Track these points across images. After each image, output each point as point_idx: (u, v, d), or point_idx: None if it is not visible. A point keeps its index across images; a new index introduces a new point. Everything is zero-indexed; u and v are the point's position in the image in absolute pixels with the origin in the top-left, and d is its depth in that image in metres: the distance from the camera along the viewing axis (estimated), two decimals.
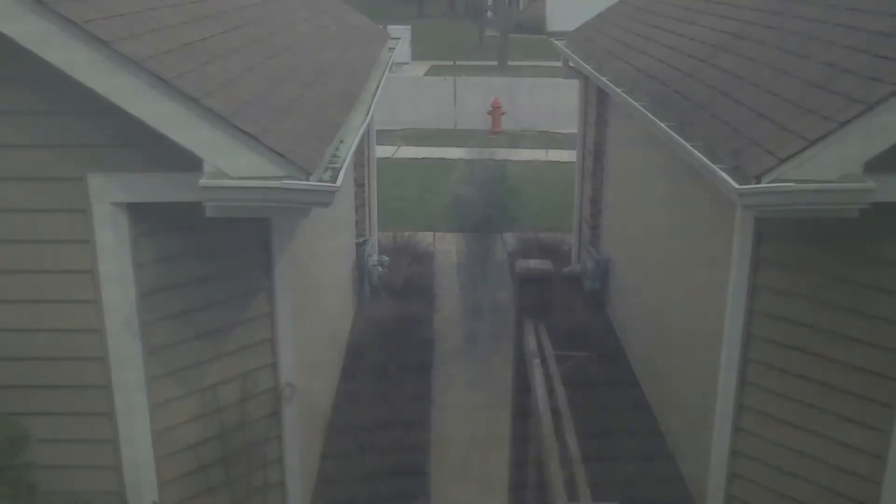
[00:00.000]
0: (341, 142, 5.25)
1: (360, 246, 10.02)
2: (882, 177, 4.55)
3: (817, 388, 5.46)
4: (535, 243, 11.97)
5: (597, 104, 9.99)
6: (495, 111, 20.41)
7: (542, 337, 5.17)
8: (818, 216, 4.73)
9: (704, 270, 6.42)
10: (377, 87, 7.44)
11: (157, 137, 4.33)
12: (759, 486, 5.85)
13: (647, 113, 6.49)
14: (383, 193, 12.11)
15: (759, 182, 4.60)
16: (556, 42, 11.14)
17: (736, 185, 4.65)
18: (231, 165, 4.31)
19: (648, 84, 7.29)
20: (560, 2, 36.65)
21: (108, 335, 4.87)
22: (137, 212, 4.76)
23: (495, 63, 31.84)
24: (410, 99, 20.26)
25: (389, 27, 14.58)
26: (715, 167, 4.95)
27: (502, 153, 18.23)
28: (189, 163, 4.35)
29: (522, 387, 5.16)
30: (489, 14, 39.92)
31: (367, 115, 6.22)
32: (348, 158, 4.94)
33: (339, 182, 4.46)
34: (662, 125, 6.07)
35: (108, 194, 4.66)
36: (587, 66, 9.12)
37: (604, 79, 8.27)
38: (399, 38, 11.65)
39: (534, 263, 5.38)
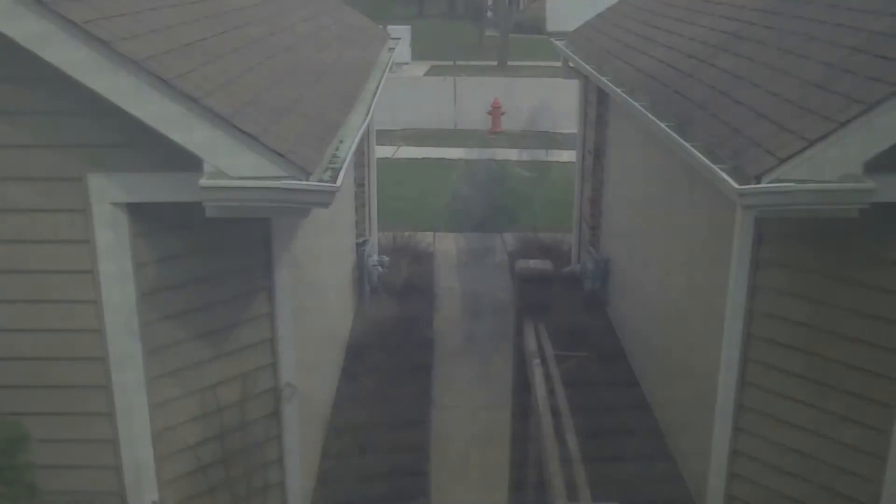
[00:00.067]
0: (341, 142, 5.25)
1: (360, 246, 10.02)
2: (882, 177, 4.55)
3: (817, 388, 5.46)
4: (534, 243, 11.97)
5: (597, 104, 9.99)
6: (495, 111, 20.41)
7: (542, 337, 5.18)
8: (818, 216, 4.73)
9: (704, 270, 6.42)
10: (377, 87, 7.44)
11: (157, 137, 4.33)
12: (759, 486, 5.85)
13: (647, 113, 6.49)
14: (383, 193, 12.11)
15: (759, 182, 4.60)
16: (556, 42, 11.13)
17: (736, 185, 4.65)
18: (231, 165, 4.31)
19: (648, 84, 7.29)
20: (560, 2, 36.63)
21: (108, 335, 4.87)
22: (137, 212, 4.75)
23: (495, 63, 31.84)
24: (410, 99, 20.24)
25: (389, 27, 14.58)
26: (715, 167, 4.95)
27: (502, 153, 18.28)
28: (189, 163, 4.35)
29: (522, 387, 5.17)
30: (489, 14, 39.94)
31: (367, 115, 6.22)
32: (348, 158, 4.94)
33: (339, 182, 4.46)
34: (662, 125, 6.07)
35: (108, 194, 4.66)
36: (587, 66, 9.12)
37: (604, 79, 8.27)
38: (399, 39, 11.65)
39: (534, 263, 5.38)
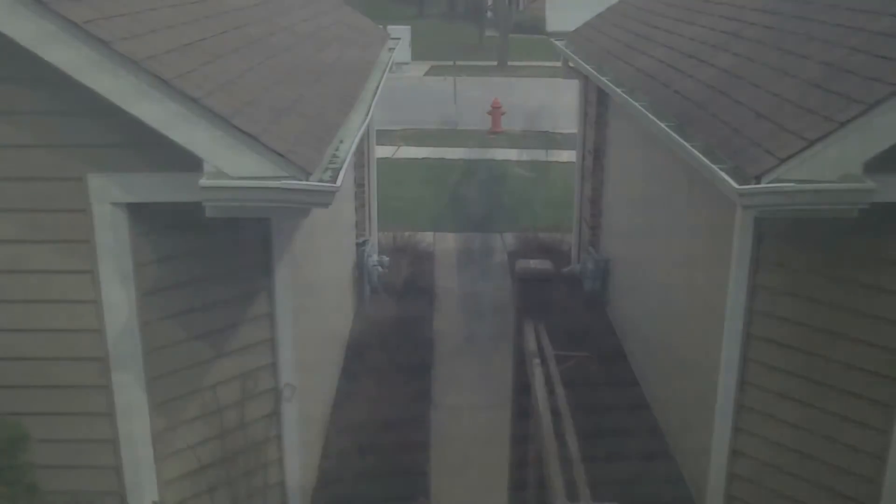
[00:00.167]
0: (341, 142, 5.25)
1: (360, 246, 10.02)
2: (882, 177, 4.55)
3: (817, 388, 5.46)
4: (534, 243, 11.97)
5: (597, 104, 9.99)
6: (495, 111, 20.41)
7: (542, 337, 5.17)
8: (818, 216, 4.73)
9: (704, 270, 6.42)
10: (377, 87, 7.44)
11: (157, 137, 4.33)
12: (759, 486, 5.85)
13: (647, 113, 6.49)
14: (383, 193, 12.11)
15: (758, 182, 4.60)
16: (556, 42, 11.13)
17: (736, 186, 4.65)
18: (231, 165, 4.31)
19: (648, 84, 7.29)
20: (560, 2, 36.61)
21: (108, 335, 4.87)
22: (137, 212, 4.76)
23: (495, 63, 31.85)
24: (410, 99, 20.26)
25: (389, 27, 14.57)
26: (715, 167, 4.95)
27: (502, 153, 18.28)
28: (189, 163, 4.35)
29: (522, 387, 5.16)
30: (489, 14, 39.96)
31: (367, 115, 6.22)
32: (348, 159, 4.94)
33: (338, 182, 4.46)
34: (662, 125, 6.07)
35: (108, 194, 4.66)
36: (587, 66, 9.11)
37: (604, 79, 8.27)
38: (399, 39, 11.65)
39: (534, 263, 5.37)
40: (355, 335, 9.24)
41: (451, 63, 26.78)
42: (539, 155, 17.72)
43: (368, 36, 10.63)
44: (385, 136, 17.34)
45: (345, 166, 4.74)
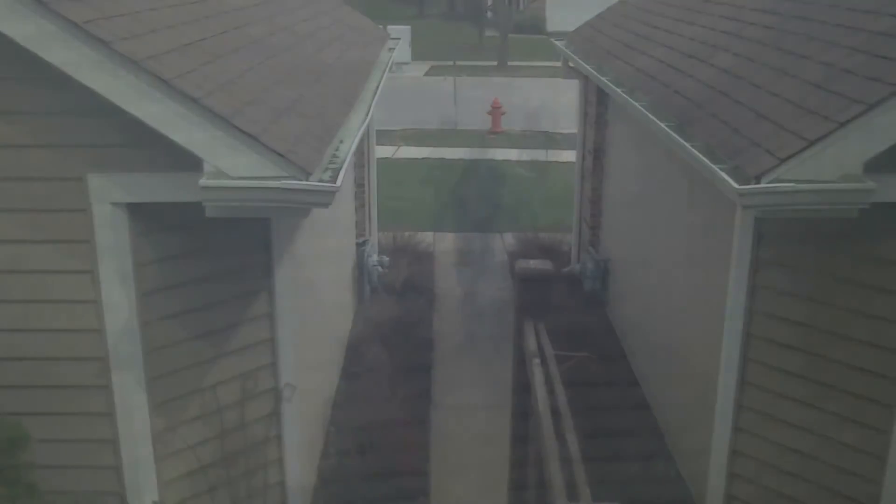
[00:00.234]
0: (341, 142, 5.25)
1: (360, 246, 10.03)
2: (882, 177, 4.55)
3: (817, 388, 5.46)
4: (534, 243, 11.97)
5: (597, 104, 9.99)
6: (495, 111, 20.41)
7: (542, 337, 5.17)
8: (818, 216, 4.73)
9: (704, 270, 6.42)
10: (377, 87, 7.44)
11: (157, 137, 4.33)
12: (759, 486, 5.85)
13: (647, 113, 6.49)
14: (383, 193, 12.11)
15: (758, 182, 4.60)
16: (556, 42, 11.13)
17: (736, 186, 4.65)
18: (231, 165, 4.31)
19: (648, 84, 7.29)
20: (560, 2, 36.63)
21: (108, 335, 4.87)
22: (137, 212, 4.76)
23: (495, 63, 31.85)
24: (410, 99, 20.25)
25: (389, 27, 14.58)
26: (715, 167, 4.95)
27: (502, 153, 18.28)
28: (189, 163, 4.35)
29: (522, 387, 5.16)
30: (489, 14, 39.96)
31: (367, 115, 6.22)
32: (348, 158, 4.94)
33: (338, 182, 4.46)
34: (662, 125, 6.07)
35: (108, 194, 4.66)
36: (587, 66, 9.12)
37: (604, 79, 8.27)
38: (399, 39, 11.65)
39: (534, 263, 5.38)
40: (355, 335, 9.23)
41: (451, 63, 26.79)
42: (539, 155, 17.73)
43: (368, 36, 10.63)
44: (385, 136, 17.34)
45: (345, 166, 4.74)
